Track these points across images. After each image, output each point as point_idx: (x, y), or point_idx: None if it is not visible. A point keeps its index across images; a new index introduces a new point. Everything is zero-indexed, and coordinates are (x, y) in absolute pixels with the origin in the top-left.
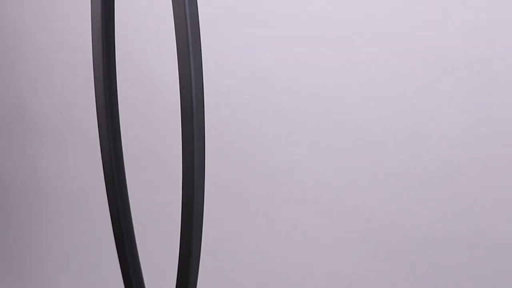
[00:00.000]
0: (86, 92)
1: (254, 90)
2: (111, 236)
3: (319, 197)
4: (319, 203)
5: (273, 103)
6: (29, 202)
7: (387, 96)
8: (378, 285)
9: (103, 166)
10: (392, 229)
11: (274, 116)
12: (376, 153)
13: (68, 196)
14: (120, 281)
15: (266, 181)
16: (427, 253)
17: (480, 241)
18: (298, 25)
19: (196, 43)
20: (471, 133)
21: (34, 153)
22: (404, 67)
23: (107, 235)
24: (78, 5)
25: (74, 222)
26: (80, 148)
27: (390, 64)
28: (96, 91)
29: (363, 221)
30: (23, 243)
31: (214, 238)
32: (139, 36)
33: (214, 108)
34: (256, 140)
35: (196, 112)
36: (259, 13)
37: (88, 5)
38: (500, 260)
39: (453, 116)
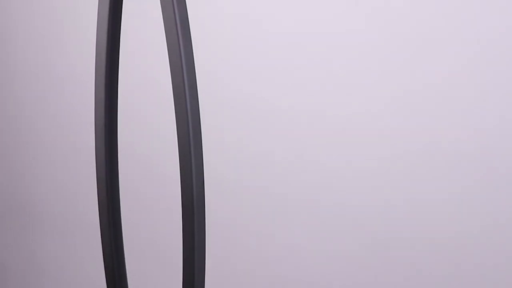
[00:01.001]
0: (87, 180)
1: (250, 92)
2: None
3: (321, 196)
4: (321, 201)
5: (269, 105)
6: None
7: (385, 96)
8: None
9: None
10: (395, 232)
11: (271, 117)
12: (376, 152)
13: (68, 285)
14: None
15: (268, 185)
16: (430, 256)
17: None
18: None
19: (188, 52)
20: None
21: (33, 240)
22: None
23: None
24: (79, 100)
25: None
26: (80, 235)
27: (388, 64)
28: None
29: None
30: None
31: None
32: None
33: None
34: (255, 142)
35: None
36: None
37: (85, 92)
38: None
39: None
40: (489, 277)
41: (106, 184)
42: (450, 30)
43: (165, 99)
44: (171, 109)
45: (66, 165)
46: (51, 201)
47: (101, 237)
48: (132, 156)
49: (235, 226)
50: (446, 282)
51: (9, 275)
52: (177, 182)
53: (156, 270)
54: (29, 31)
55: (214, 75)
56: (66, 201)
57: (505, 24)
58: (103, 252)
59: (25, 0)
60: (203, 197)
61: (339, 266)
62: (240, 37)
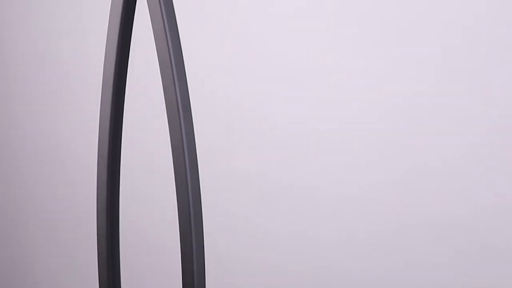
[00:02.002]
0: (88, 266)
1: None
2: None
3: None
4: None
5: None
6: None
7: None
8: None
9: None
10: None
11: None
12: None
13: None
14: None
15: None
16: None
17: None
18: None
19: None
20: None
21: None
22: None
23: None
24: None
25: None
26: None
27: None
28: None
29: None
30: None
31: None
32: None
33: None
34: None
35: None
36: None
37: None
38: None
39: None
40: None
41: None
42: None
43: (167, 181)
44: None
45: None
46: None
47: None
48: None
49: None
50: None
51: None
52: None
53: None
54: (33, 79)
55: (214, 150)
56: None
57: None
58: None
59: (30, 45)
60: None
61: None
62: (241, 115)
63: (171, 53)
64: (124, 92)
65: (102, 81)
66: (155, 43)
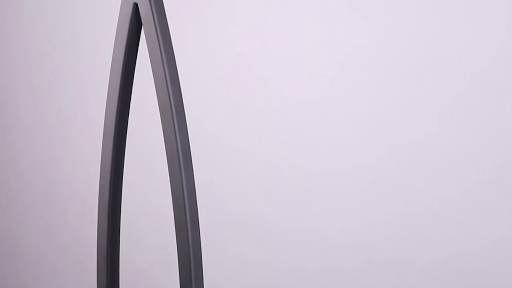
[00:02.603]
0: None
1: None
2: None
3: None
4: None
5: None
6: None
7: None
8: None
9: None
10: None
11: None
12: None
13: None
14: None
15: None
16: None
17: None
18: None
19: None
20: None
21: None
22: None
23: None
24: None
25: None
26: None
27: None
28: None
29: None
30: None
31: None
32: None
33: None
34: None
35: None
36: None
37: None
38: None
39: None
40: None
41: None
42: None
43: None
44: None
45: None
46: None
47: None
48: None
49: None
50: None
51: None
52: None
53: None
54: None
55: (215, 197)
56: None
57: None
58: None
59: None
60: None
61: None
62: (240, 159)
63: (172, 103)
64: (125, 138)
65: (104, 129)
66: (156, 91)
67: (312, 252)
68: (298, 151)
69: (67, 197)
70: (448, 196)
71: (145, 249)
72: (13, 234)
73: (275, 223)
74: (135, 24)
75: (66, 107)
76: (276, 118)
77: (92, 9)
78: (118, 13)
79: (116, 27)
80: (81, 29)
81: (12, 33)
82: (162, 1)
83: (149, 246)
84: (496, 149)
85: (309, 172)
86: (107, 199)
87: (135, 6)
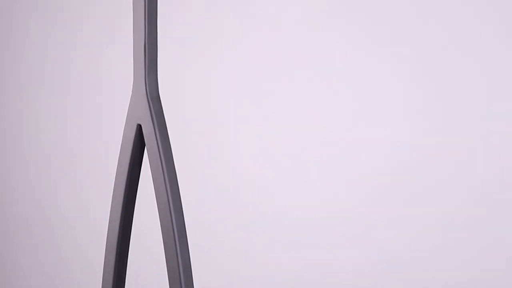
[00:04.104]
0: None
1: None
2: None
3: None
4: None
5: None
6: None
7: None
8: None
9: None
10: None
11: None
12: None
13: None
14: None
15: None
16: None
17: None
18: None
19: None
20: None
21: None
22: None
23: None
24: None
25: None
26: None
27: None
28: None
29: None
30: None
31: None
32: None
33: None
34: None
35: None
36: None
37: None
38: None
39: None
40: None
41: None
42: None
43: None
44: None
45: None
46: None
47: None
48: None
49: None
50: None
51: None
52: None
53: None
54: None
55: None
56: None
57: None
58: None
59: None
60: None
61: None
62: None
63: (175, 226)
64: (127, 257)
65: (105, 247)
66: (158, 211)
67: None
68: (292, 189)
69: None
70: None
71: None
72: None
73: (271, 262)
74: (139, 145)
75: (72, 222)
76: (274, 160)
77: (96, 129)
78: (121, 133)
79: (119, 147)
80: (85, 148)
81: (12, 138)
82: (165, 122)
83: None
84: None
85: (303, 210)
86: None
87: (139, 127)
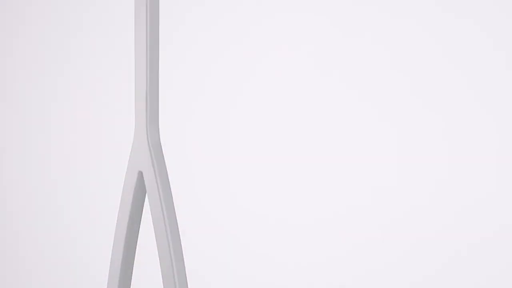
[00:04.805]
0: None
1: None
2: None
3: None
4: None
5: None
6: None
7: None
8: None
9: None
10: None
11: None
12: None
13: None
14: None
15: None
16: None
17: None
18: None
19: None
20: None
21: None
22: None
23: None
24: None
25: None
26: None
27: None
28: None
29: None
30: None
31: None
32: None
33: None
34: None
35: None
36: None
37: None
38: None
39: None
40: None
41: None
42: None
43: None
44: None
45: None
46: None
47: None
48: None
49: None
50: None
51: None
52: None
53: None
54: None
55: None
56: None
57: None
58: None
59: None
60: None
61: None
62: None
63: (175, 273)
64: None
65: (108, 275)
66: (159, 257)
67: None
68: (288, 236)
69: None
70: None
71: None
72: None
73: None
74: (140, 191)
75: (71, 268)
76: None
77: (98, 177)
78: (123, 180)
79: (121, 194)
80: (86, 194)
81: (14, 166)
82: (166, 169)
83: None
84: None
85: (302, 256)
86: None
87: (140, 174)
